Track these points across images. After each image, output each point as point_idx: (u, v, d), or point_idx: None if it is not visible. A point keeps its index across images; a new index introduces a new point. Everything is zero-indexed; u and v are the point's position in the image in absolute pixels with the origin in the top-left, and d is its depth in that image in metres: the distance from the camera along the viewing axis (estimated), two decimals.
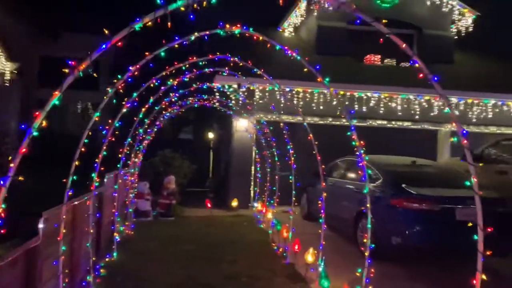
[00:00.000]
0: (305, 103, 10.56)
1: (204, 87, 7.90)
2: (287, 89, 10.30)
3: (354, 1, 14.91)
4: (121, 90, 3.90)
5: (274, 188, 8.73)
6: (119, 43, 2.51)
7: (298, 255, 5.93)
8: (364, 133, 6.85)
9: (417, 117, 11.31)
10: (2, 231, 2.07)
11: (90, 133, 3.69)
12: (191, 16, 2.44)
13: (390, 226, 6.34)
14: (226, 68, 6.80)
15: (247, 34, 4.09)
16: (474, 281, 2.61)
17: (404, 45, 3.00)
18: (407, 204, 6.17)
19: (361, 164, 4.69)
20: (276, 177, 8.41)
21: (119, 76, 3.68)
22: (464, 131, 2.88)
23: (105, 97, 3.86)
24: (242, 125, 10.76)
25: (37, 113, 2.27)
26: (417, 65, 2.90)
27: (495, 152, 8.85)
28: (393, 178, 6.78)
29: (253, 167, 10.55)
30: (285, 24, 14.71)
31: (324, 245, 5.64)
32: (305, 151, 8.64)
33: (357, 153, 4.53)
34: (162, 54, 3.63)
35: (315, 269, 5.32)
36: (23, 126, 2.34)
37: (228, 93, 10.26)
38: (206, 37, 4.09)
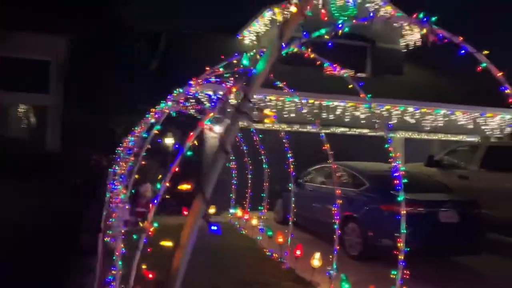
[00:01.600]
0: (277, 110, 10.84)
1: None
2: (261, 96, 10.53)
3: (314, 14, 15.55)
4: None
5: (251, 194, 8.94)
6: None
7: (299, 260, 6.13)
8: (328, 140, 7.38)
9: (376, 125, 12.02)
10: None
11: None
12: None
13: (380, 229, 6.75)
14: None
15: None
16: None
17: None
18: (397, 208, 6.60)
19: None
20: (265, 184, 8.57)
21: (180, 90, 3.64)
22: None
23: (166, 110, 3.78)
24: (215, 131, 10.77)
25: None
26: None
27: (454, 158, 9.69)
28: (382, 184, 7.22)
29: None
30: (245, 32, 14.91)
31: (310, 249, 5.98)
32: (279, 158, 8.96)
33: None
34: (221, 68, 3.66)
35: (327, 273, 5.52)
36: None
37: (202, 99, 10.25)
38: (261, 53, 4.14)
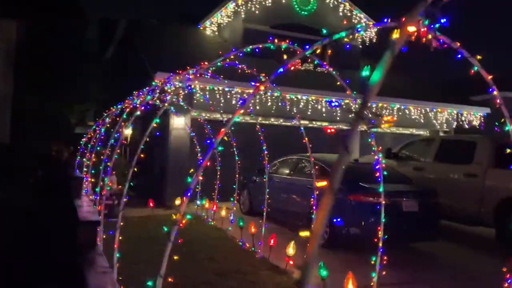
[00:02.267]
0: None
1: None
2: (227, 89, 10.59)
3: (276, 7, 15.95)
4: None
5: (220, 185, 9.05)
6: None
7: (272, 249, 6.33)
8: (287, 132, 7.66)
9: (338, 118, 12.47)
10: None
11: None
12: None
13: (348, 218, 7.10)
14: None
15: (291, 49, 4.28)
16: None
17: None
18: (364, 198, 6.99)
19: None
20: (237, 175, 8.69)
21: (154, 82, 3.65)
22: None
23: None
24: (179, 123, 10.73)
25: None
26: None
27: (410, 151, 10.29)
28: (349, 175, 7.55)
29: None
30: (206, 23, 14.85)
31: (278, 238, 6.23)
32: (243, 149, 9.13)
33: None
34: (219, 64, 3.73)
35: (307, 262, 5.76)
36: None
37: (168, 90, 10.14)
38: (257, 49, 4.25)
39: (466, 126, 14.09)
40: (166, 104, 8.72)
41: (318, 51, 4.39)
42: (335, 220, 7.25)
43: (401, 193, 7.24)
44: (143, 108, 4.96)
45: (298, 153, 8.95)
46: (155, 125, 4.36)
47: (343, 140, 1.46)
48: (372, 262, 4.48)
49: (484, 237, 8.46)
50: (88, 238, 2.98)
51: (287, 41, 4.20)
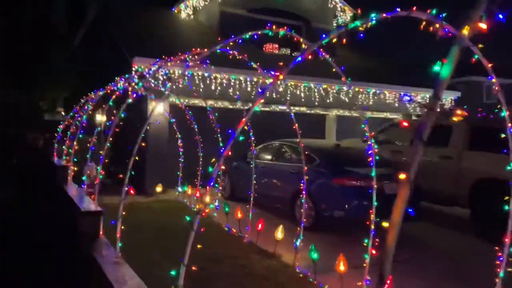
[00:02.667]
0: (222, 88, 10.87)
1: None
2: (206, 75, 10.48)
3: None
4: None
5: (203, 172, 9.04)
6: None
7: (259, 233, 6.41)
8: (267, 118, 7.73)
9: (316, 103, 12.58)
10: None
11: None
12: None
13: (332, 202, 7.25)
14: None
15: (288, 36, 4.26)
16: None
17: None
18: (348, 182, 7.14)
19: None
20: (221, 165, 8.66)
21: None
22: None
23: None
24: (158, 109, 10.56)
25: None
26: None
27: (388, 135, 10.54)
28: (333, 160, 7.70)
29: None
30: (181, 6, 14.58)
31: (263, 222, 6.35)
32: (225, 135, 9.12)
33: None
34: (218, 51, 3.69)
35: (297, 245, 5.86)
36: None
37: (147, 76, 9.95)
38: (255, 36, 4.22)
39: (438, 110, 14.50)
40: (140, 90, 8.57)
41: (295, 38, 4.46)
42: (320, 203, 7.40)
43: (383, 176, 7.41)
44: (132, 94, 4.81)
45: (280, 139, 9.01)
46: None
47: (418, 132, 1.50)
48: (364, 244, 4.61)
49: (460, 217, 8.83)
50: (91, 228, 2.93)
51: (285, 28, 4.19)
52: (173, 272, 2.60)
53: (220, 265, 5.51)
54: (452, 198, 8.44)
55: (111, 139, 5.04)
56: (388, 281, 4.32)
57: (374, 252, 4.57)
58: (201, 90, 10.44)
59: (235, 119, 8.26)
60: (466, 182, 8.17)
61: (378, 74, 13.26)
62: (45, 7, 15.82)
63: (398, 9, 2.35)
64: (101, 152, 5.05)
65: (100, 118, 12.71)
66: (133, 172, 4.82)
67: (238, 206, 7.27)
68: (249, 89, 11.04)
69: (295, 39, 4.33)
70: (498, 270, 3.21)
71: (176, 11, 14.79)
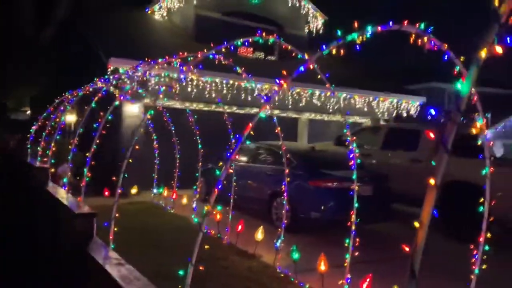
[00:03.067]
0: (198, 91, 10.90)
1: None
2: (182, 77, 10.47)
3: None
4: None
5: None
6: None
7: (239, 235, 6.52)
8: (240, 120, 7.85)
9: (290, 106, 12.80)
10: None
11: None
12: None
13: (309, 203, 7.44)
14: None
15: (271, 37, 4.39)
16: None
17: None
18: (324, 184, 7.35)
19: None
20: (199, 164, 8.70)
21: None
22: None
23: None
24: (133, 110, 10.49)
25: None
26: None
27: (359, 138, 10.86)
28: (309, 162, 7.90)
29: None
30: (155, 7, 14.49)
31: (243, 223, 6.48)
32: (195, 137, 9.16)
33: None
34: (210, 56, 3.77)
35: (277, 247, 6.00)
36: None
37: (122, 76, 9.86)
38: (246, 42, 4.31)
39: (405, 115, 15.06)
40: (115, 91, 8.49)
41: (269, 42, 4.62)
42: (297, 205, 7.58)
43: (357, 178, 7.69)
44: (119, 97, 4.82)
45: (256, 141, 9.15)
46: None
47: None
48: (345, 245, 4.79)
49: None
50: (86, 230, 2.95)
51: (271, 36, 4.31)
52: (181, 272, 2.67)
53: (206, 265, 5.56)
54: (422, 200, 8.81)
55: (98, 141, 5.00)
56: (368, 280, 4.53)
57: (356, 253, 4.77)
58: (177, 92, 10.43)
59: (211, 120, 8.33)
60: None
61: (349, 79, 13.61)
62: (7, 7, 15.37)
63: (391, 23, 2.52)
64: (87, 154, 5.00)
65: (70, 118, 12.49)
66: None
67: (216, 208, 7.34)
68: (224, 91, 11.13)
69: (283, 46, 4.47)
70: (474, 267, 3.44)
71: (149, 11, 14.69)
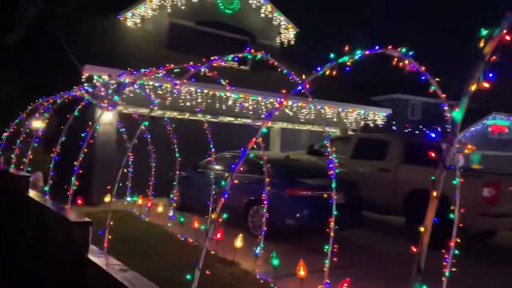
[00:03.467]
0: (173, 99, 10.97)
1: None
2: (157, 85, 10.53)
3: (201, 4, 16.06)
4: None
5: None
6: None
7: (216, 242, 6.65)
8: (214, 128, 8.08)
9: (262, 115, 13.02)
10: None
11: None
12: None
13: (284, 211, 7.67)
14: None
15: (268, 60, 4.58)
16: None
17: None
18: (300, 192, 7.60)
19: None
20: (177, 172, 8.75)
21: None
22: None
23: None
24: (106, 117, 10.42)
25: None
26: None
27: (330, 147, 11.22)
28: (286, 171, 8.14)
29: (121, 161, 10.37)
30: (127, 14, 14.46)
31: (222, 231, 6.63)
32: (171, 145, 9.25)
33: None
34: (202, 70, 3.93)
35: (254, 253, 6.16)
36: None
37: (97, 84, 9.81)
38: (236, 58, 4.47)
39: (372, 125, 15.63)
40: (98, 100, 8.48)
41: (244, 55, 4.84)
42: (273, 212, 7.78)
43: (330, 186, 7.98)
44: (111, 108, 4.89)
45: (232, 150, 9.32)
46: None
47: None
48: (323, 250, 5.03)
49: (396, 225, 9.65)
50: (83, 238, 3.02)
51: (259, 52, 4.52)
52: (188, 276, 2.80)
53: (183, 272, 5.66)
54: (389, 207, 9.22)
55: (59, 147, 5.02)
56: (346, 285, 4.78)
57: (334, 259, 5.01)
58: (154, 100, 10.46)
59: (185, 129, 8.42)
60: (402, 192, 8.98)
61: (320, 91, 14.00)
62: None
63: (377, 47, 2.78)
64: (73, 162, 5.01)
65: (37, 124, 12.22)
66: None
67: (194, 216, 7.46)
68: (199, 100, 11.25)
69: (270, 62, 4.68)
70: (444, 270, 3.74)
71: (122, 18, 14.63)
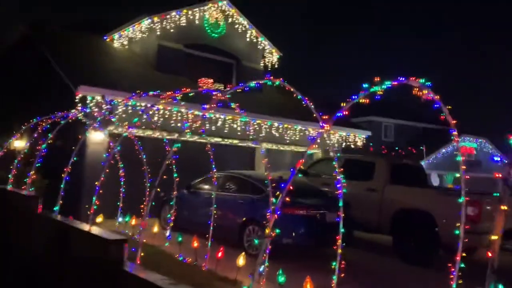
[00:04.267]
0: (164, 119, 11.10)
1: None
2: (149, 105, 10.63)
3: (189, 28, 16.39)
4: None
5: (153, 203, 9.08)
6: None
7: (218, 262, 6.76)
8: (201, 149, 8.28)
9: (251, 136, 13.26)
10: None
11: None
12: None
13: (281, 229, 7.84)
14: None
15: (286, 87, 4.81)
16: None
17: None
18: (296, 211, 7.83)
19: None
20: (174, 192, 8.81)
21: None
22: None
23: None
24: (97, 137, 10.44)
25: None
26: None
27: (318, 168, 11.55)
28: (279, 190, 8.35)
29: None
30: (114, 35, 14.60)
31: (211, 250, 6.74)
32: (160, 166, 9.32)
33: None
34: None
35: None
36: None
37: (91, 104, 9.86)
38: (257, 84, 4.70)
39: (352, 146, 16.12)
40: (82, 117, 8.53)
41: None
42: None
43: (323, 206, 8.26)
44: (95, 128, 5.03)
45: (225, 170, 9.51)
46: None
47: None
48: (328, 267, 5.25)
49: (383, 243, 9.97)
50: (118, 254, 3.13)
51: (277, 80, 4.78)
52: None
53: None
54: (377, 226, 9.56)
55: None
56: None
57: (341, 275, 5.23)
58: (143, 120, 10.57)
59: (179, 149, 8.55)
60: (388, 211, 9.34)
61: (303, 112, 14.40)
62: None
63: (401, 78, 3.10)
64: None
65: (19, 144, 12.05)
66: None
67: (194, 236, 7.53)
68: (190, 121, 11.40)
69: (287, 88, 4.91)
70: (452, 282, 4.03)
71: (108, 40, 14.75)
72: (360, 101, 3.26)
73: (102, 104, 9.80)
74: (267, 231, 2.98)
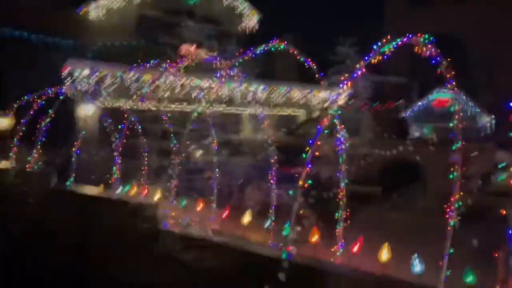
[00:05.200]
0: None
1: None
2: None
3: None
4: None
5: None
6: None
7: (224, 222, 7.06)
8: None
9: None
10: None
11: None
12: None
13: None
14: None
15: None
16: None
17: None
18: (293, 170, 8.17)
19: None
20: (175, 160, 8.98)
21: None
22: None
23: None
24: (87, 111, 10.44)
25: None
26: None
27: (303, 129, 11.93)
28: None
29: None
30: (90, 7, 14.23)
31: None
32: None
33: None
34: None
35: None
36: None
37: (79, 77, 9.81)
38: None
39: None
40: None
41: None
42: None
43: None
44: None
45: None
46: None
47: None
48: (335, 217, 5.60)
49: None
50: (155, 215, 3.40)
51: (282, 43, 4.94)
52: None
53: None
54: (366, 179, 10.03)
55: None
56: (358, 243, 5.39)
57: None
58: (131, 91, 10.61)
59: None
60: (377, 164, 9.83)
61: (288, 75, 14.65)
62: None
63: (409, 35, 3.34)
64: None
65: (6, 121, 11.90)
66: None
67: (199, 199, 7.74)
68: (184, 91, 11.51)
69: (291, 51, 5.10)
70: (450, 220, 4.44)
71: (82, 11, 14.37)
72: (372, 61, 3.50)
73: (90, 77, 9.78)
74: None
